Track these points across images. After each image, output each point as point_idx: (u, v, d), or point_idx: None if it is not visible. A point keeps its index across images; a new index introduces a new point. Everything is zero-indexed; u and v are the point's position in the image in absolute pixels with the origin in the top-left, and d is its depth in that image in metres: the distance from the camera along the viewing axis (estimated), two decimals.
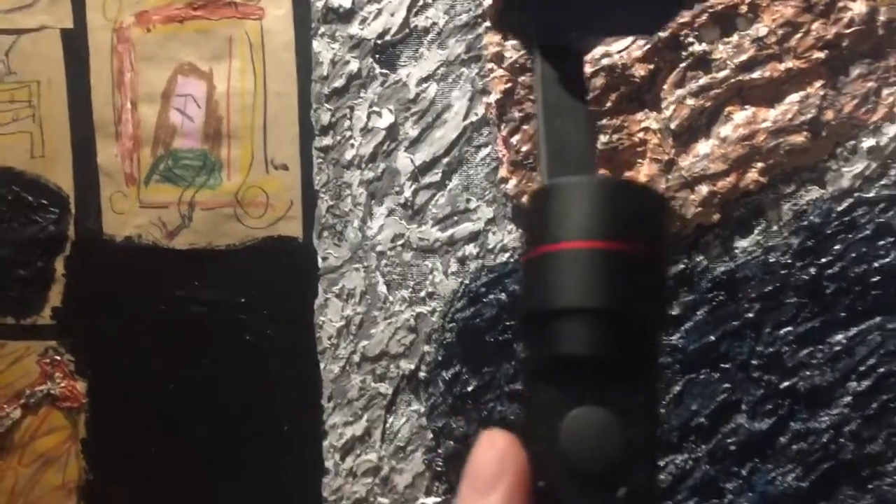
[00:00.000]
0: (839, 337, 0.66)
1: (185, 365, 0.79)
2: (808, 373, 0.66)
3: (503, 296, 0.70)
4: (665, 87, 0.66)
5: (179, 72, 0.76)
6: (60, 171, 0.79)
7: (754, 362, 0.67)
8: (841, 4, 0.63)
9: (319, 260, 0.74)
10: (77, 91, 0.78)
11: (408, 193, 0.72)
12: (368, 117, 0.72)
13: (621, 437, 0.22)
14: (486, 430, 0.26)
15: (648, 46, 0.66)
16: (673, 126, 0.66)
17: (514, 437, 0.26)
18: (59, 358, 0.82)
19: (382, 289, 0.73)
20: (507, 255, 0.70)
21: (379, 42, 0.70)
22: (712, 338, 0.67)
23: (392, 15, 0.70)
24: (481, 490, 0.26)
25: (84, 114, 0.78)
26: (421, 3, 0.69)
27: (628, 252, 0.23)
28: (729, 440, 0.67)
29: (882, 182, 0.65)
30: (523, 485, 0.25)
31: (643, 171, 0.68)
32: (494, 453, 0.26)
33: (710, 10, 0.65)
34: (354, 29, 0.71)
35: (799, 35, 0.64)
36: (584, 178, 0.24)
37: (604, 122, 0.67)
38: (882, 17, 0.63)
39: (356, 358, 0.74)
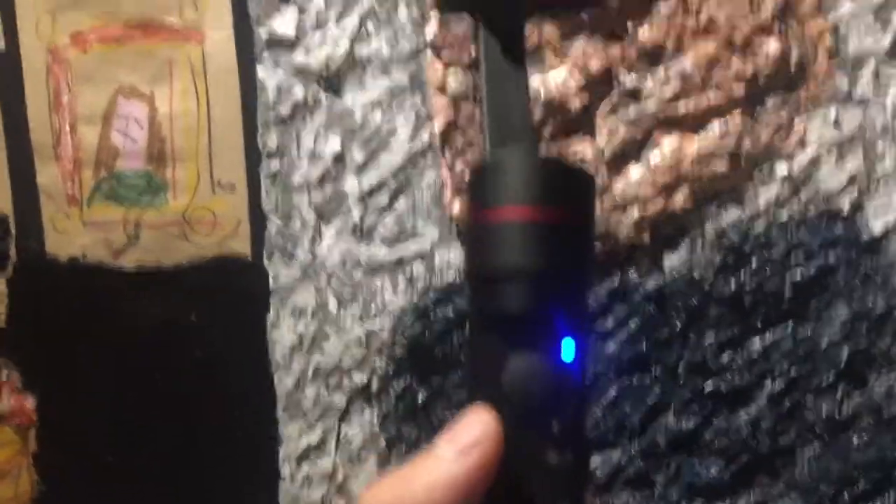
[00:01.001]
0: (756, 344, 0.72)
1: (136, 381, 0.81)
2: (728, 376, 0.73)
3: (450, 312, 0.74)
4: (599, 116, 0.71)
5: (120, 93, 0.76)
6: None
7: (681, 368, 0.73)
8: (758, 42, 0.68)
9: (271, 279, 0.77)
10: (12, 114, 0.77)
11: (356, 215, 0.74)
12: (315, 142, 0.74)
13: (554, 379, 0.26)
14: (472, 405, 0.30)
15: (583, 79, 0.70)
16: (606, 153, 0.71)
17: (496, 416, 0.29)
18: (4, 379, 0.82)
19: (334, 306, 0.76)
20: (453, 273, 0.74)
21: (324, 69, 0.72)
22: (644, 347, 0.73)
23: (336, 44, 0.71)
24: (460, 449, 0.29)
25: (21, 136, 0.77)
26: (364, 32, 0.71)
27: (557, 220, 0.26)
28: (659, 437, 0.74)
29: (793, 204, 0.71)
30: (495, 458, 0.29)
31: None
32: (479, 423, 0.30)
33: (640, 46, 0.69)
34: (299, 56, 0.72)
35: (720, 70, 0.69)
36: (521, 154, 0.27)
37: (542, 149, 0.71)
38: (794, 55, 0.68)
39: (310, 372, 0.77)
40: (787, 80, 0.69)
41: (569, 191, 0.27)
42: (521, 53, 0.30)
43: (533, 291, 0.26)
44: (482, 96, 0.29)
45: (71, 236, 0.79)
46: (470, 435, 0.30)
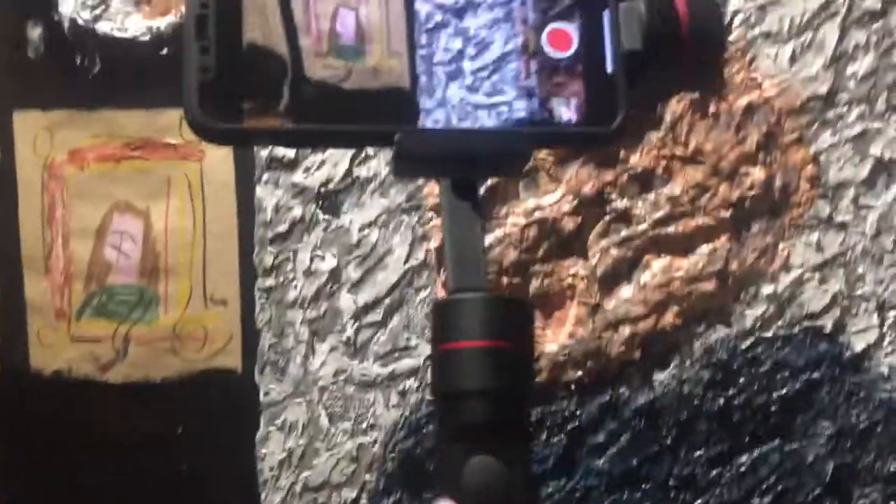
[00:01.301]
0: (744, 458, 0.74)
1: (121, 495, 0.79)
2: (718, 490, 0.74)
3: None
4: (591, 237, 0.73)
5: (115, 209, 0.76)
6: None
7: (672, 482, 0.74)
8: (743, 170, 0.71)
9: (261, 394, 0.76)
10: (3, 227, 0.77)
11: (350, 332, 0.75)
12: (311, 260, 0.74)
13: (506, 477, 0.31)
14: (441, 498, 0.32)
15: (576, 201, 0.72)
16: (598, 272, 0.73)
17: None
18: None
19: (325, 421, 0.76)
20: None
21: (322, 190, 0.73)
22: (634, 461, 0.74)
23: (335, 165, 0.73)
24: None
25: (11, 249, 0.77)
26: (363, 154, 0.73)
27: (504, 348, 0.32)
28: None
29: (778, 323, 0.73)
30: None
31: (572, 313, 0.74)
32: None
33: (631, 171, 0.71)
34: (298, 177, 0.73)
35: (708, 195, 0.72)
36: (474, 294, 0.32)
37: (536, 267, 0.73)
38: (778, 182, 0.71)
39: (298, 488, 0.76)
40: (771, 205, 0.72)
41: (511, 323, 0.32)
42: (476, 204, 0.34)
43: (484, 405, 0.32)
44: (444, 243, 0.34)
45: (57, 350, 0.78)
46: None
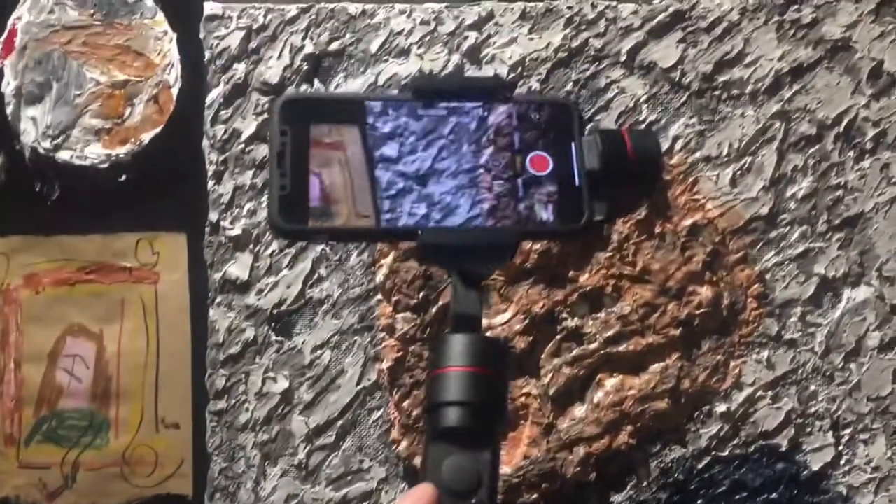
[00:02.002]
0: None
1: None
2: None
3: None
4: (543, 356, 0.73)
5: (68, 332, 0.76)
6: None
7: None
8: (691, 289, 0.72)
9: None
10: None
11: (302, 455, 0.74)
12: (263, 382, 0.74)
13: (474, 472, 0.41)
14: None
15: (527, 321, 0.72)
16: (551, 392, 0.73)
17: (436, 492, 0.40)
18: None
19: None
20: None
21: (275, 311, 0.74)
22: None
23: (288, 287, 0.74)
24: None
25: None
26: (316, 276, 0.73)
27: (480, 373, 0.42)
28: None
29: (734, 442, 0.73)
30: None
31: (525, 433, 0.73)
32: (423, 494, 0.40)
33: (581, 290, 0.72)
34: (251, 299, 0.74)
35: (657, 314, 0.72)
36: (458, 334, 0.43)
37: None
38: (725, 301, 0.72)
39: None
40: (720, 323, 0.72)
41: (487, 356, 0.43)
42: (481, 294, 0.45)
43: (462, 413, 0.42)
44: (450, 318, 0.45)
45: (5, 477, 0.76)
46: (414, 499, 0.40)
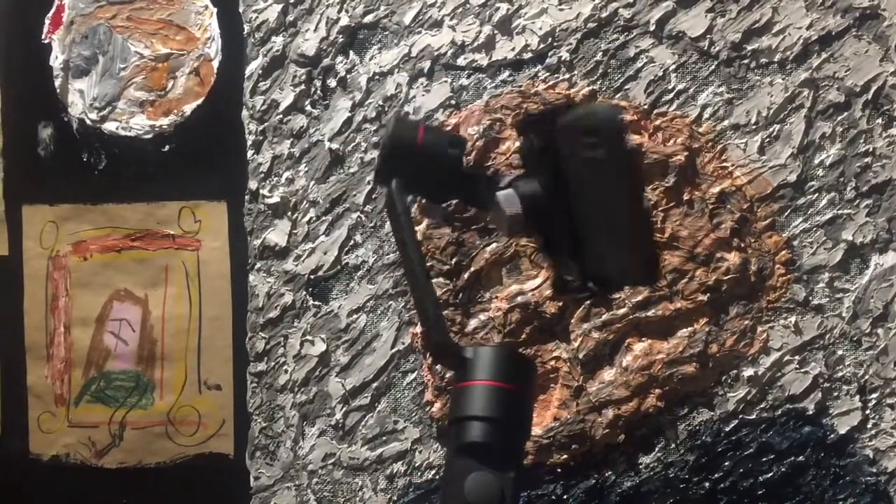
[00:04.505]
0: None
1: None
2: None
3: None
4: (573, 321, 0.74)
5: (115, 297, 0.79)
6: None
7: None
8: (719, 255, 0.73)
9: (252, 479, 0.77)
10: (8, 315, 0.80)
11: (339, 415, 0.76)
12: (301, 345, 0.76)
13: (498, 489, 0.41)
14: None
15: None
16: (580, 356, 0.74)
17: None
18: None
19: None
20: (432, 472, 0.75)
21: (312, 277, 0.76)
22: None
23: (325, 253, 0.76)
24: None
25: (15, 337, 0.80)
26: (352, 243, 0.76)
27: (508, 389, 0.43)
28: None
29: (761, 405, 0.74)
30: None
31: (555, 396, 0.75)
32: None
33: None
34: (289, 265, 0.76)
35: (685, 280, 0.74)
36: (486, 346, 0.46)
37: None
38: (753, 267, 0.73)
39: None
40: (748, 289, 0.74)
41: (513, 372, 0.44)
42: None
43: (488, 429, 0.42)
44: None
45: (56, 436, 0.80)
46: None
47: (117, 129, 0.78)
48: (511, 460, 0.43)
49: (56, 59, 0.78)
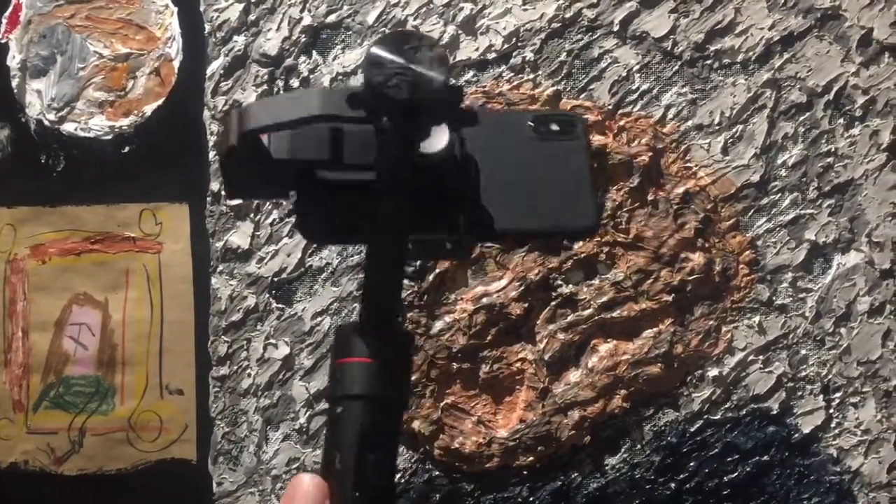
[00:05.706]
0: None
1: None
2: None
3: None
4: (538, 322, 0.74)
5: (74, 301, 0.78)
6: None
7: None
8: (683, 255, 0.73)
9: (214, 485, 0.76)
10: None
11: (303, 419, 0.75)
12: (265, 348, 0.76)
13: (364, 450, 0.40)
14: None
15: (523, 288, 0.74)
16: (546, 357, 0.74)
17: (318, 479, 0.39)
18: None
19: None
20: (397, 476, 0.74)
21: (275, 279, 0.75)
22: None
23: (288, 255, 0.75)
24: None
25: None
26: (315, 245, 0.75)
27: (370, 362, 0.41)
28: None
29: (726, 405, 0.74)
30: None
31: (521, 398, 0.75)
32: (301, 491, 0.38)
33: (575, 257, 0.74)
34: (252, 267, 0.75)
35: (650, 280, 0.74)
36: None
37: (485, 353, 0.74)
38: (717, 267, 0.74)
39: None
40: (712, 290, 0.74)
41: (384, 347, 0.41)
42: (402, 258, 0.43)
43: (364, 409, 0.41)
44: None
45: (14, 442, 0.78)
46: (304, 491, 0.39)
47: (76, 130, 0.77)
48: (390, 437, 0.42)
49: (13, 59, 0.77)
